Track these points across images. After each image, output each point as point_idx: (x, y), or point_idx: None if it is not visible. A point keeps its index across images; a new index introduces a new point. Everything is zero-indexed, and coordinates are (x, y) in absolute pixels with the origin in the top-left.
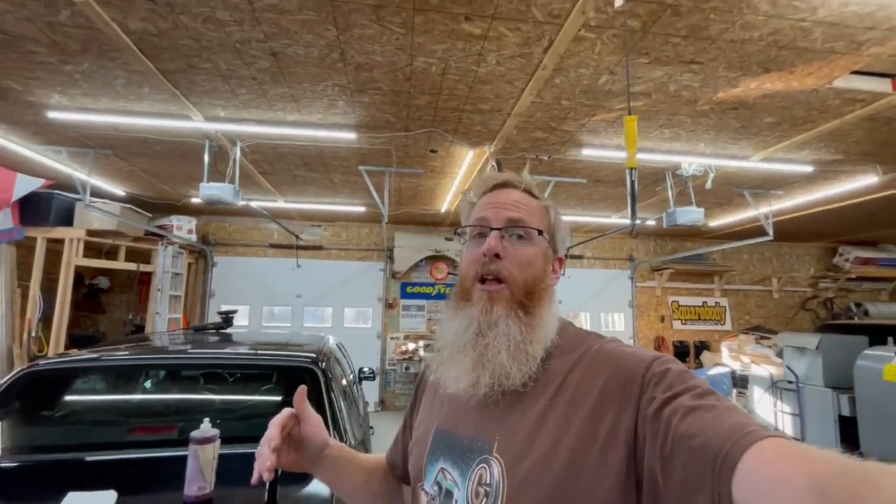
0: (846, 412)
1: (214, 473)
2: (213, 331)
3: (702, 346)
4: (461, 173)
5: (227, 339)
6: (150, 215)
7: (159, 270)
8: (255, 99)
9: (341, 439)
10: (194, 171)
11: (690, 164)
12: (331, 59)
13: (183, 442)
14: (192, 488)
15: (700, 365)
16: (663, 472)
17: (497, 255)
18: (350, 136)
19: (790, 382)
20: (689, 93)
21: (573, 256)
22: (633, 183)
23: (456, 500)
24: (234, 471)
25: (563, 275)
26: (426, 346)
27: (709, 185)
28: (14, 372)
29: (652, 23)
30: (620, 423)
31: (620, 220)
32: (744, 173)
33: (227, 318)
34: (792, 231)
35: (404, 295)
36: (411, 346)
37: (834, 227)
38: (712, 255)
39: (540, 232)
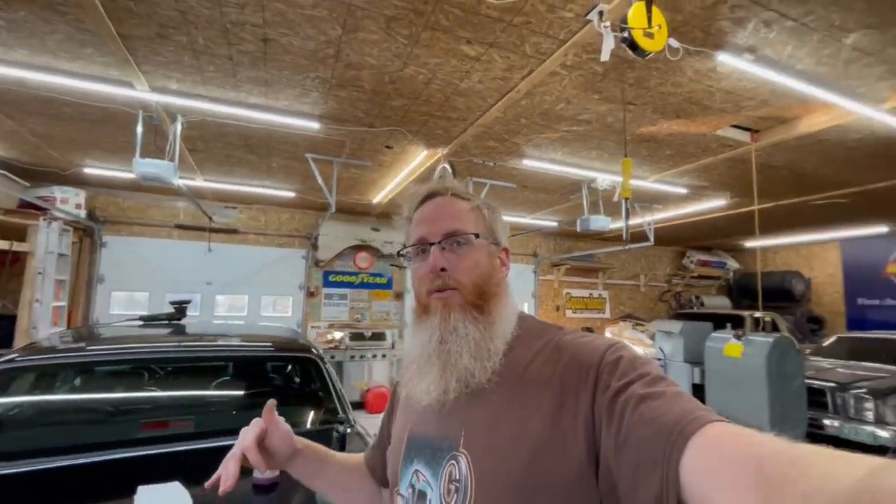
0: (698, 381)
1: None
2: (166, 321)
3: (588, 332)
4: (407, 170)
5: (208, 331)
6: (28, 184)
7: (41, 250)
8: (221, 77)
9: (345, 418)
10: (104, 139)
11: (604, 179)
12: (324, 54)
13: (201, 435)
14: (264, 472)
15: None
16: (617, 458)
17: (443, 269)
18: (313, 125)
19: (659, 359)
20: (620, 125)
21: None
22: (626, 209)
23: (430, 500)
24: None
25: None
26: (352, 336)
27: (616, 198)
28: None
29: (612, 71)
30: (579, 410)
31: (533, 220)
32: (641, 190)
33: (181, 309)
34: (659, 237)
35: (327, 283)
36: (337, 335)
37: (686, 235)
38: (598, 254)
39: (477, 235)
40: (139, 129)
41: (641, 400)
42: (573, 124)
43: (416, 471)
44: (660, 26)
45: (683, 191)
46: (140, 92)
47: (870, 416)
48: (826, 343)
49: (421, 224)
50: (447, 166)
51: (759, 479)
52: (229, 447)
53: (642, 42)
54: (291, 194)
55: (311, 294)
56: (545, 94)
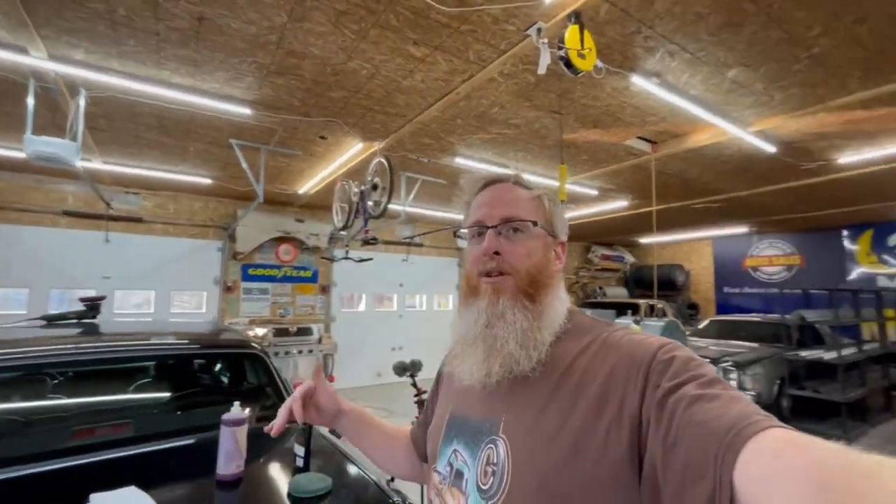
0: None
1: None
2: (76, 320)
3: None
4: (340, 161)
5: (137, 329)
6: None
7: None
8: (142, 53)
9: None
10: None
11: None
12: (265, 40)
13: (143, 439)
14: (229, 467)
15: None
16: (664, 459)
17: (496, 253)
18: (244, 111)
19: None
20: (546, 131)
21: (415, 245)
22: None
23: (466, 480)
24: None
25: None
26: (276, 332)
27: None
28: None
29: (543, 82)
30: (625, 408)
31: (458, 215)
32: (555, 191)
33: (94, 306)
34: (570, 233)
35: (246, 277)
36: (259, 331)
37: (592, 232)
38: None
39: (535, 223)
40: (30, 101)
41: (694, 401)
42: (504, 127)
43: (455, 450)
44: (590, 49)
45: (594, 192)
46: (36, 59)
47: (734, 384)
48: (701, 325)
49: (480, 208)
50: (383, 160)
51: (824, 490)
52: (173, 450)
53: (576, 61)
54: (208, 181)
55: (228, 289)
56: (482, 97)
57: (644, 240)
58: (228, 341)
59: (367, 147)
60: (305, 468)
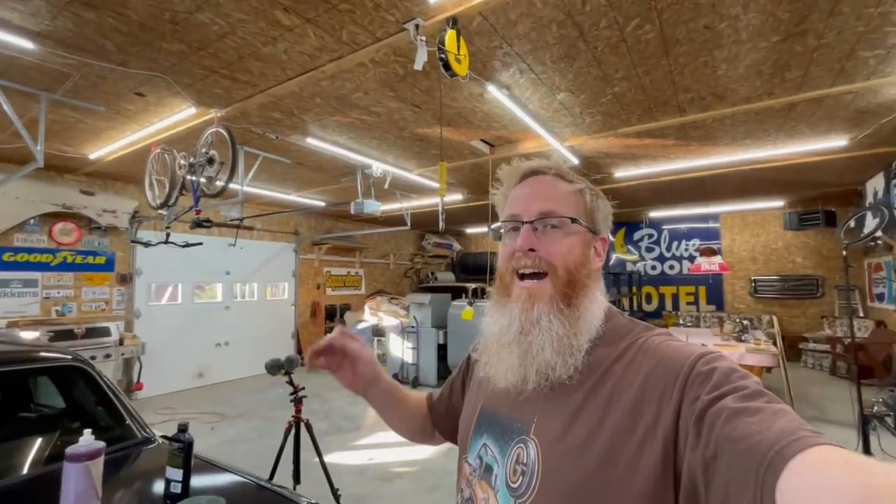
0: (442, 341)
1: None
2: None
3: (345, 308)
4: (161, 125)
5: None
6: None
7: None
8: None
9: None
10: None
11: (378, 167)
12: None
13: None
14: None
15: (344, 323)
16: (704, 475)
17: (531, 250)
18: (23, 43)
19: (412, 327)
20: (404, 123)
21: (245, 227)
22: (442, 207)
23: (496, 476)
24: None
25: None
26: (54, 335)
27: (387, 185)
28: None
29: (411, 76)
30: (660, 419)
31: (300, 198)
32: (404, 181)
33: None
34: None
35: None
36: (27, 335)
37: (428, 220)
38: (357, 235)
39: (574, 220)
40: None
41: (735, 414)
42: (364, 114)
43: (485, 444)
44: (465, 55)
45: (437, 185)
46: None
47: None
48: None
49: (516, 201)
50: (223, 131)
51: None
52: None
53: (454, 65)
54: None
55: None
56: (347, 80)
57: (470, 230)
58: (29, 354)
59: (202, 113)
60: (184, 493)
